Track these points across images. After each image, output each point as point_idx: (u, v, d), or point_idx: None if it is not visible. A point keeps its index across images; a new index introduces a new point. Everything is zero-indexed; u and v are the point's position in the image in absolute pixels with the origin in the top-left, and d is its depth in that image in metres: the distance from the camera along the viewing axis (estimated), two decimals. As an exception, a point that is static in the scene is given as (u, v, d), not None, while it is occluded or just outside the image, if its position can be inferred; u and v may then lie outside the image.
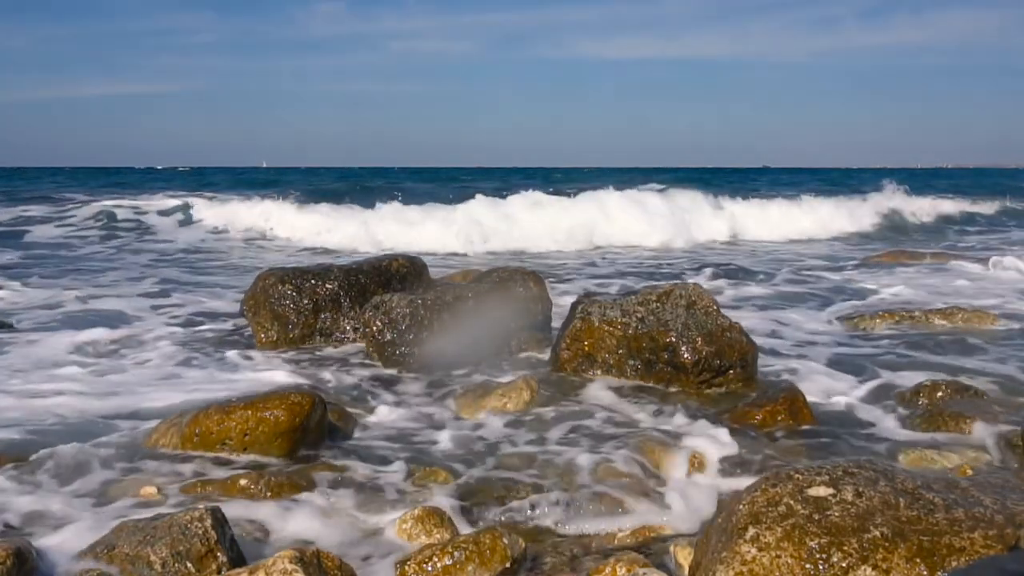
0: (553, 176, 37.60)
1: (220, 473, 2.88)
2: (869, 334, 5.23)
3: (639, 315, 4.02)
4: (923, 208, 18.44)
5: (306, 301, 4.85)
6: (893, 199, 18.32)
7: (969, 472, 2.74)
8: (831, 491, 1.97)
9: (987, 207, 19.87)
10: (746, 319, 4.91)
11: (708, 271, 8.93)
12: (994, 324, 5.39)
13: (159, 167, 75.61)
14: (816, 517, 1.90)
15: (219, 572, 2.07)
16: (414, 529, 2.42)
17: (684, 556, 2.24)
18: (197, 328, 5.60)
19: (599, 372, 4.02)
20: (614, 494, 2.73)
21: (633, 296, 4.18)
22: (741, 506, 2.02)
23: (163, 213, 14.89)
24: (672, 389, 3.88)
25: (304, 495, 2.71)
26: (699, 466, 2.92)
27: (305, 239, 12.90)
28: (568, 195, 15.72)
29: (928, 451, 3.08)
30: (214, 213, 14.45)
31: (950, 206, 19.24)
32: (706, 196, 16.57)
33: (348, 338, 4.85)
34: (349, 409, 3.59)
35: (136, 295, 7.35)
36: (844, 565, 1.80)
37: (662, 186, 18.52)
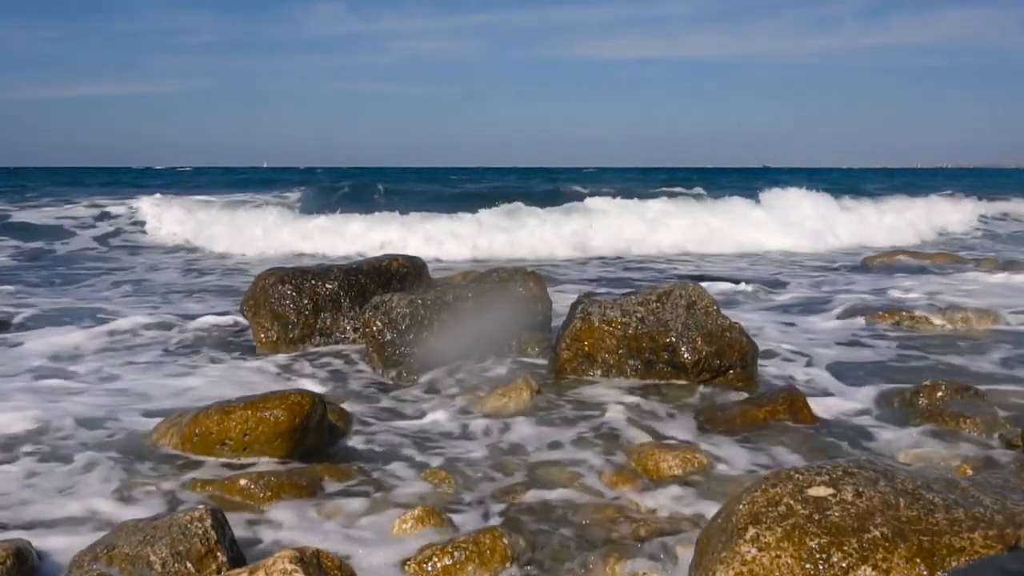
0: (554, 176, 37.56)
1: (220, 473, 2.88)
2: (869, 334, 5.23)
3: (639, 315, 4.02)
4: None
5: (306, 301, 4.85)
6: None
7: (969, 472, 2.74)
8: (831, 491, 1.97)
9: None
10: (745, 319, 4.91)
11: (716, 275, 8.94)
12: (994, 324, 5.39)
13: (158, 167, 75.49)
14: (816, 517, 1.90)
15: (219, 572, 2.06)
16: (414, 529, 2.42)
17: (684, 556, 2.24)
18: (196, 328, 5.60)
19: (599, 372, 4.02)
20: (614, 493, 2.73)
21: (633, 296, 4.18)
22: (741, 506, 2.02)
23: (153, 214, 14.43)
24: (672, 389, 3.88)
25: (304, 495, 2.71)
26: (699, 466, 2.92)
27: (336, 248, 11.73)
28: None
29: (928, 451, 3.08)
30: (205, 215, 13.44)
31: None
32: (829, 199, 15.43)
33: (348, 338, 4.84)
34: (349, 409, 3.59)
35: (133, 296, 7.35)
36: (844, 565, 1.80)
37: (702, 192, 17.58)
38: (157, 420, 3.36)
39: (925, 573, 1.77)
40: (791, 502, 1.96)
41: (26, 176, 38.47)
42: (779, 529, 1.90)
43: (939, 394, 3.69)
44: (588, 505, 2.64)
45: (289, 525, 2.52)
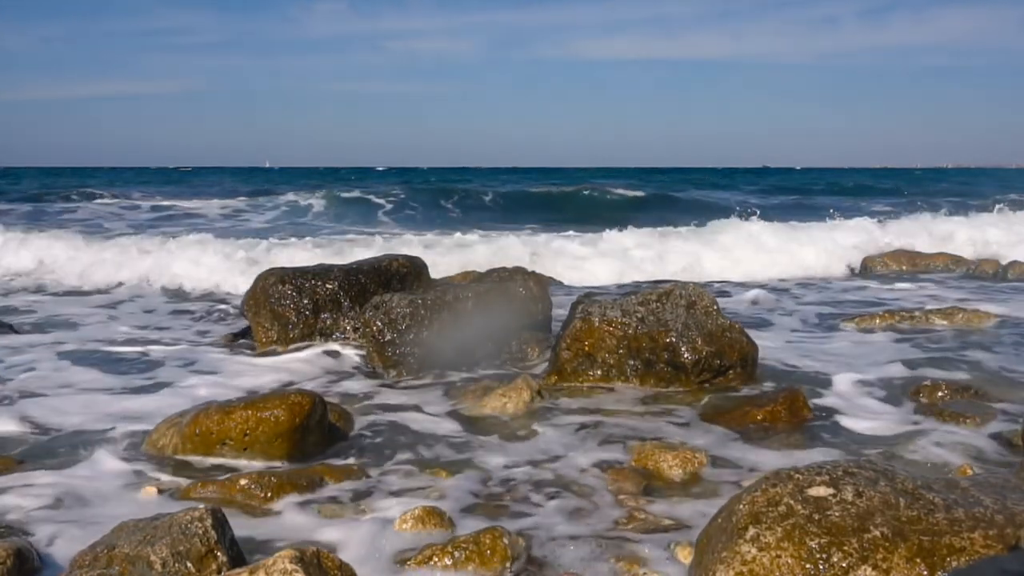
0: (556, 176, 37.67)
1: (220, 473, 2.88)
2: (869, 334, 5.23)
3: (639, 315, 4.02)
4: None
5: (306, 301, 4.85)
6: None
7: (969, 472, 2.74)
8: (831, 491, 1.97)
9: None
10: (745, 320, 4.91)
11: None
12: (995, 324, 5.38)
13: (152, 167, 75.27)
14: (816, 517, 1.90)
15: (219, 572, 2.06)
16: (414, 528, 2.42)
17: (684, 556, 2.24)
18: (196, 328, 5.60)
19: (599, 372, 4.01)
20: (614, 494, 2.73)
21: (633, 296, 4.18)
22: (741, 506, 2.02)
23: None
24: (672, 389, 3.88)
25: (304, 495, 2.71)
26: (699, 465, 2.92)
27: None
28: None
29: (928, 451, 3.08)
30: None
31: None
32: None
33: (348, 338, 4.85)
34: (349, 409, 3.59)
35: (131, 296, 7.35)
36: (844, 565, 1.80)
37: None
38: (157, 420, 3.36)
39: (925, 573, 1.77)
40: (791, 502, 1.96)
41: (14, 176, 38.46)
42: (779, 529, 1.90)
43: (939, 394, 3.69)
44: (588, 505, 2.64)
45: (289, 525, 2.52)
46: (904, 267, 9.24)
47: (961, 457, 3.00)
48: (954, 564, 1.78)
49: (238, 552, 2.19)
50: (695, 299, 4.09)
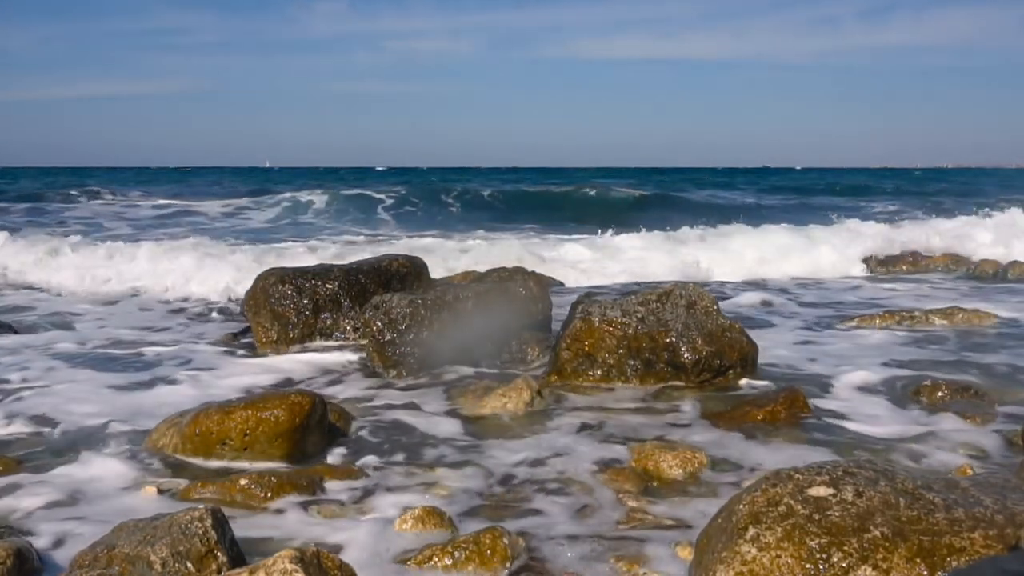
0: (556, 176, 37.64)
1: (220, 473, 2.88)
2: (869, 334, 5.23)
3: (639, 315, 4.02)
4: None
5: (306, 301, 4.85)
6: None
7: (969, 472, 2.73)
8: (831, 491, 1.97)
9: None
10: (745, 320, 4.90)
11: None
12: (995, 324, 5.38)
13: (153, 167, 75.29)
14: (816, 517, 1.90)
15: (219, 572, 2.06)
16: (414, 528, 2.42)
17: (684, 556, 2.24)
18: (196, 328, 5.60)
19: (599, 372, 4.01)
20: (614, 494, 2.73)
21: (633, 296, 4.18)
22: (741, 506, 2.02)
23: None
24: (672, 389, 3.88)
25: (304, 495, 2.71)
26: (699, 465, 2.92)
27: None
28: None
29: (928, 451, 3.08)
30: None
31: None
32: None
33: (348, 338, 4.85)
34: (349, 409, 3.59)
35: (130, 296, 7.35)
36: (844, 565, 1.80)
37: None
38: (157, 420, 3.36)
39: (925, 573, 1.77)
40: (791, 502, 1.96)
41: (10, 175, 38.51)
42: (779, 529, 1.90)
43: (939, 394, 3.69)
44: (588, 505, 2.64)
45: (289, 525, 2.52)
46: (904, 267, 9.25)
47: (961, 457, 3.00)
48: (954, 564, 1.78)
49: (238, 552, 2.19)
50: (695, 299, 4.09)
